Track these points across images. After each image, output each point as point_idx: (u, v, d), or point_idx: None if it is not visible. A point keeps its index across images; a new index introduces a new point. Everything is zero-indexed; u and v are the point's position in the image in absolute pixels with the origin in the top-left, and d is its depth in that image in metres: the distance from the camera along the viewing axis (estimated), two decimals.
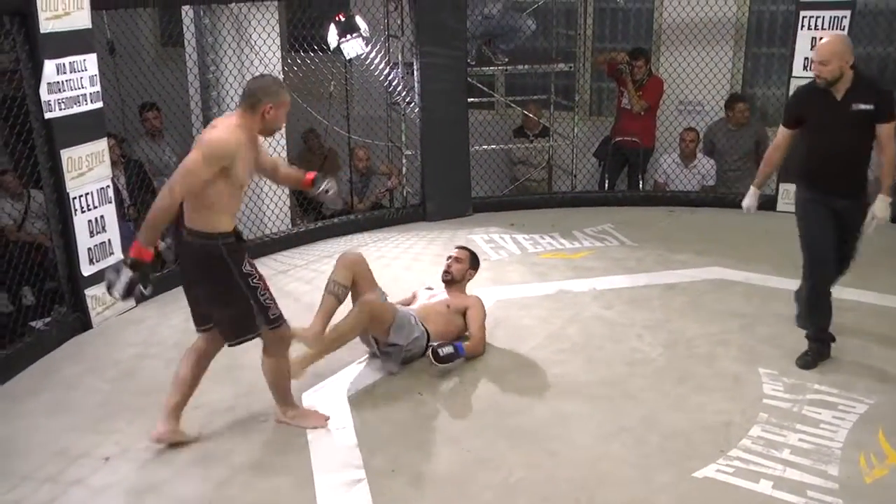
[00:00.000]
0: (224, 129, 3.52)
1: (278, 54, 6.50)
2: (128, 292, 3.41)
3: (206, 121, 6.20)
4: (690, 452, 3.74)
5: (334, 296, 4.43)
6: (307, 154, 8.29)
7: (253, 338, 3.75)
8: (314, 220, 7.38)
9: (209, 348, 3.85)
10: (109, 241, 5.18)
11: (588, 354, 4.72)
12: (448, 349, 4.45)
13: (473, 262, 5.01)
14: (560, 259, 6.26)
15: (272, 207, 6.68)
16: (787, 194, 7.10)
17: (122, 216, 5.72)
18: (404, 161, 7.47)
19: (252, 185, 6.49)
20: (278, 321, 3.74)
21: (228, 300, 3.63)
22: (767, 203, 7.26)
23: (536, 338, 4.92)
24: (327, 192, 4.05)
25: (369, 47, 7.10)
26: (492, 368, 4.56)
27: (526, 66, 7.71)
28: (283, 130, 6.52)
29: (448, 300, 4.81)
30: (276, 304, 3.74)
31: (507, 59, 7.57)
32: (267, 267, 6.00)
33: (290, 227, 6.82)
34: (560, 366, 4.58)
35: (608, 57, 7.86)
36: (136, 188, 6.37)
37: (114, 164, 5.53)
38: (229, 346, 3.79)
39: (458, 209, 7.34)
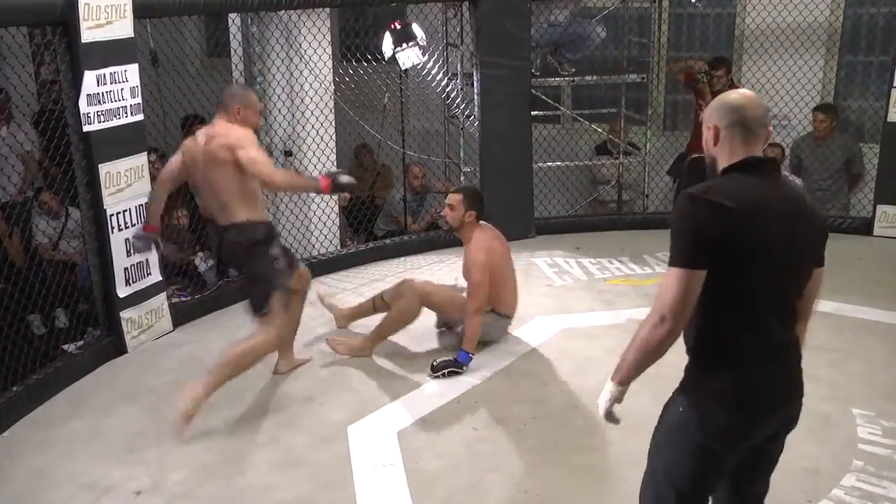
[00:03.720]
0: (231, 128, 4.24)
1: (329, 64, 6.55)
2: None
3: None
4: (772, 501, 3.61)
5: (372, 301, 5.22)
6: (359, 171, 8.33)
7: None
8: (365, 241, 7.40)
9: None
10: (147, 261, 5.24)
11: (660, 388, 4.53)
12: (443, 359, 4.77)
13: (470, 202, 4.89)
14: (629, 286, 6.17)
15: (320, 227, 6.71)
16: (886, 216, 6.93)
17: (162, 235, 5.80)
18: (462, 179, 7.46)
19: (300, 204, 6.55)
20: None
21: (257, 277, 4.38)
22: (862, 227, 7.13)
23: (603, 371, 4.80)
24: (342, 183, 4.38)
25: (426, 57, 7.12)
26: (555, 403, 4.50)
27: (595, 77, 7.68)
28: (333, 145, 6.59)
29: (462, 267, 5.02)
30: None
31: (574, 70, 7.53)
32: (314, 291, 6.00)
33: (339, 248, 6.84)
34: (629, 401, 4.42)
35: (685, 65, 7.77)
36: (176, 205, 6.45)
37: (154, 179, 5.61)
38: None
39: (520, 230, 7.28)
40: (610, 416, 2.70)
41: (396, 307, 4.98)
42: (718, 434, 2.47)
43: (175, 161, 4.46)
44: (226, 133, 4.23)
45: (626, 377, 2.61)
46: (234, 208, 4.26)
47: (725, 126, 2.45)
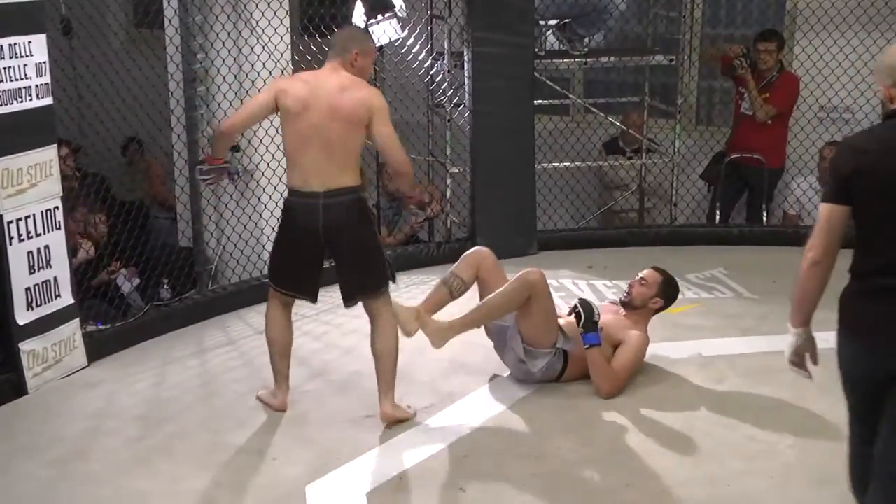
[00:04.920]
0: (365, 85, 4.66)
1: (287, 38, 6.53)
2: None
3: (191, 123, 6.22)
4: None
5: (447, 287, 5.11)
6: None
7: (380, 293, 4.73)
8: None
9: (289, 310, 4.95)
10: (56, 279, 5.19)
11: (690, 442, 4.59)
12: (595, 317, 4.87)
13: (664, 290, 5.32)
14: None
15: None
16: None
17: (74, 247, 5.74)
18: (449, 181, 7.47)
19: (249, 212, 6.50)
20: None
21: (372, 250, 4.74)
22: None
23: (620, 418, 4.80)
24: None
25: (406, 31, 7.13)
26: (560, 458, 4.46)
27: (613, 59, 7.73)
28: None
29: (606, 325, 5.02)
30: None
31: (587, 49, 7.58)
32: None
33: None
34: (652, 457, 4.46)
35: (717, 52, 7.80)
36: (89, 210, 6.37)
37: (66, 178, 5.56)
38: (350, 305, 4.79)
39: (519, 246, 7.28)
40: (797, 365, 3.36)
41: (506, 289, 4.97)
42: (845, 361, 3.20)
43: (264, 102, 4.67)
44: (347, 88, 4.55)
45: (794, 318, 3.27)
46: (345, 170, 4.60)
47: None
